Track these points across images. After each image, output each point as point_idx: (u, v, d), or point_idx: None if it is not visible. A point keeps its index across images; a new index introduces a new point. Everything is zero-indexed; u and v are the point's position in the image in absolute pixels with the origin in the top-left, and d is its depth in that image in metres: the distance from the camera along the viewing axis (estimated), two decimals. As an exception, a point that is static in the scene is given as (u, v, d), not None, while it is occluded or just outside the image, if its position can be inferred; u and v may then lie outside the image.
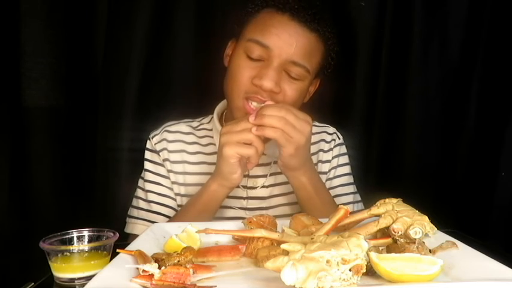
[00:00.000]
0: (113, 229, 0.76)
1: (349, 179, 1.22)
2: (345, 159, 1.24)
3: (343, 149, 1.25)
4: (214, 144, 1.16)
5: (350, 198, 1.19)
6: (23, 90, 1.35)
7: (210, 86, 1.45)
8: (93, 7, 1.44)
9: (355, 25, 1.53)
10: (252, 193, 1.14)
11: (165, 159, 1.16)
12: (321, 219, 0.81)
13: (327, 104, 1.54)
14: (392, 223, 0.69)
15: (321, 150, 1.21)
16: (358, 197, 1.22)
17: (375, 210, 0.75)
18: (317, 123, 1.26)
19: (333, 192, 1.17)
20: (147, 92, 1.46)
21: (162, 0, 1.46)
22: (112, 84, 1.44)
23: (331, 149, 1.22)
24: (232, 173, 0.94)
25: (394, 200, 0.76)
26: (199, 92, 1.49)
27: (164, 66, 1.48)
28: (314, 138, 1.21)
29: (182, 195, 1.14)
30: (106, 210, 1.44)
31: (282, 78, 1.00)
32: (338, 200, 1.13)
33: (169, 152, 1.16)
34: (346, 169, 1.23)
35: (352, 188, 1.22)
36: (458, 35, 1.55)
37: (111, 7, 1.42)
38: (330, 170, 1.21)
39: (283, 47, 0.98)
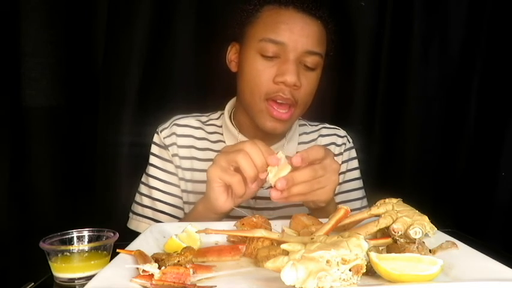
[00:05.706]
0: (113, 228, 0.76)
1: (358, 183, 1.21)
2: (354, 163, 1.22)
3: (353, 153, 1.23)
4: (224, 142, 1.14)
5: (357, 204, 1.18)
6: (23, 90, 1.34)
7: (211, 84, 1.45)
8: (93, 7, 1.43)
9: (355, 25, 1.53)
10: (260, 193, 1.13)
11: (174, 155, 1.13)
12: (321, 219, 0.81)
13: (327, 104, 1.54)
14: (393, 223, 0.69)
15: None
16: (365, 202, 1.21)
17: (374, 210, 0.75)
18: (327, 125, 1.25)
19: (340, 197, 1.17)
20: (147, 92, 1.46)
21: (162, -1, 1.46)
22: (112, 84, 1.44)
23: (341, 153, 1.21)
24: (216, 198, 0.85)
25: (394, 200, 0.76)
26: (199, 91, 1.48)
27: (164, 66, 1.47)
28: (324, 141, 1.21)
29: (189, 192, 1.12)
30: (106, 210, 1.43)
31: (299, 72, 1.00)
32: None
33: (179, 147, 1.13)
34: (355, 174, 1.22)
35: (360, 193, 1.21)
36: (458, 35, 1.55)
37: (111, 7, 1.42)
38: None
39: (297, 40, 0.99)
